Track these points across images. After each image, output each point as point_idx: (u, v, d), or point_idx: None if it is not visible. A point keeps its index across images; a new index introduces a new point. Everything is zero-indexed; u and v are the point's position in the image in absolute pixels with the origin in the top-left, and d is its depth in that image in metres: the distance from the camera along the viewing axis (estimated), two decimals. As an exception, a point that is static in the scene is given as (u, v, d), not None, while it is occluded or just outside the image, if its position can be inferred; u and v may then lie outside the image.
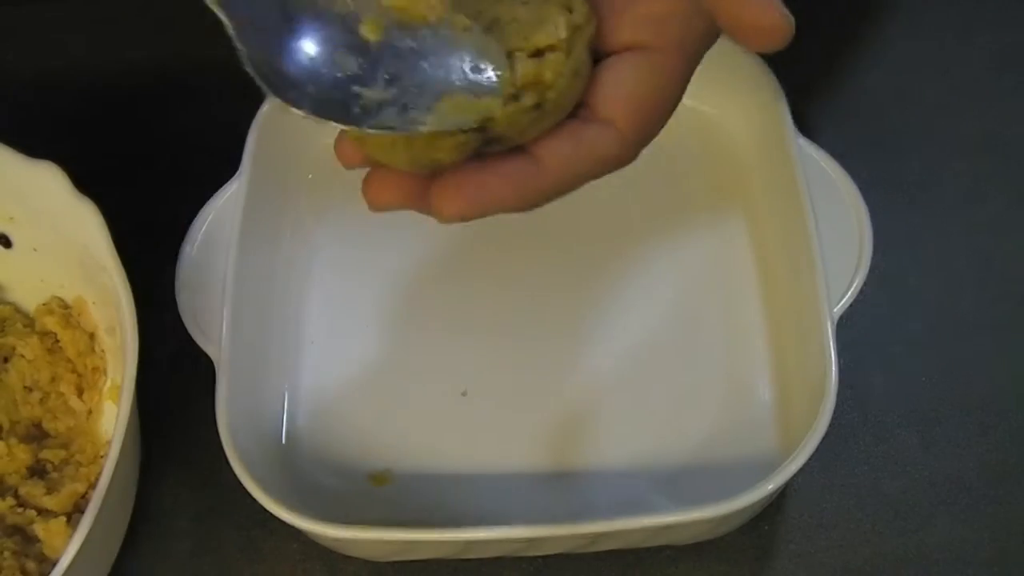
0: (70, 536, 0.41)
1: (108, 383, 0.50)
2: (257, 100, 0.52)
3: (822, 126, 0.57)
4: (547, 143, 0.32)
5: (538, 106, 0.32)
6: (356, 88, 0.32)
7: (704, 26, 0.34)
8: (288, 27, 0.33)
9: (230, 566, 0.48)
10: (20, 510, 0.46)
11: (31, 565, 0.45)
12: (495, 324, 0.52)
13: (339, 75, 0.32)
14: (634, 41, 0.34)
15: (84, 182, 0.46)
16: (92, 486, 0.47)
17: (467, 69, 0.33)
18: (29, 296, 0.52)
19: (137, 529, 0.49)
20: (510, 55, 0.33)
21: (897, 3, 0.62)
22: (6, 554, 0.45)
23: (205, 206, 0.50)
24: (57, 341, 0.51)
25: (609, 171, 0.33)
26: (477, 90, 0.32)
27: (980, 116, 0.58)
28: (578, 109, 0.33)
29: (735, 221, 0.53)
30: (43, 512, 0.46)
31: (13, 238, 0.51)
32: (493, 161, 0.32)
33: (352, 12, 0.33)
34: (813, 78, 0.58)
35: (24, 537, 0.46)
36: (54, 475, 0.48)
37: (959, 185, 0.56)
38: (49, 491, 0.46)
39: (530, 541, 0.44)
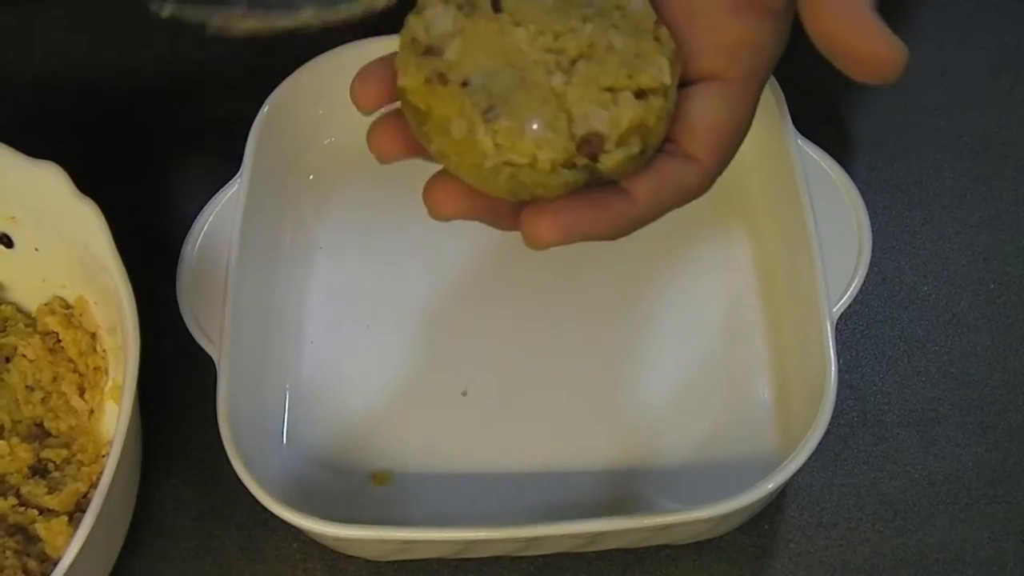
0: (72, 535, 0.41)
1: (109, 383, 0.51)
2: (257, 100, 0.52)
3: (822, 126, 0.57)
4: (638, 179, 0.33)
5: (642, 152, 0.33)
6: None
7: (774, 52, 0.35)
8: None
9: (231, 565, 0.48)
10: (22, 509, 0.46)
11: (33, 564, 0.45)
12: (495, 324, 0.52)
13: None
14: (711, 71, 0.34)
15: (85, 182, 0.46)
16: (94, 485, 0.47)
17: None
18: (31, 296, 0.52)
19: (138, 528, 0.49)
20: (611, 91, 0.32)
21: (897, 3, 0.62)
22: (8, 553, 0.45)
23: (205, 206, 0.50)
24: (59, 341, 0.51)
25: (690, 200, 0.34)
26: None
27: (979, 116, 0.58)
28: (663, 143, 0.34)
29: (735, 221, 0.53)
30: (45, 511, 0.46)
31: (15, 238, 0.51)
32: (588, 193, 0.33)
33: None
34: (813, 78, 0.58)
35: (26, 536, 0.46)
36: (56, 474, 0.48)
37: (958, 185, 0.56)
38: (51, 490, 0.47)
39: (530, 541, 0.44)
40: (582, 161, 0.32)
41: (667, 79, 0.33)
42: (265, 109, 0.52)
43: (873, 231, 0.48)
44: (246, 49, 0.62)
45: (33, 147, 0.47)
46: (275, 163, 0.53)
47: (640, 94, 0.33)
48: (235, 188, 0.50)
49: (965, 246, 0.54)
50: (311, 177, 0.56)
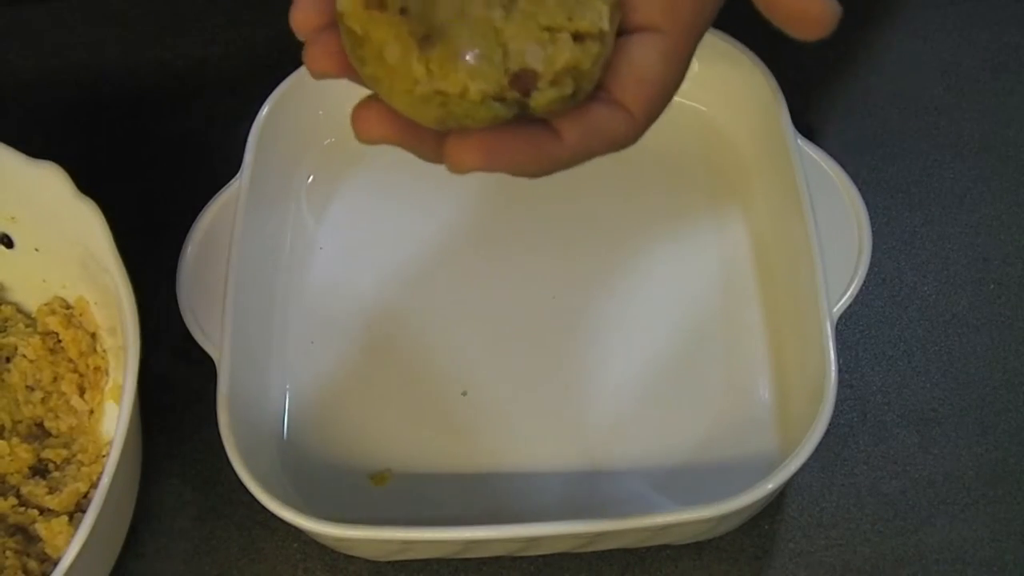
0: (72, 535, 0.41)
1: (110, 383, 0.51)
2: (257, 100, 0.52)
3: (822, 126, 0.57)
4: (567, 119, 0.33)
5: (574, 94, 0.33)
6: None
7: (713, 7, 0.35)
8: None
9: (231, 565, 0.48)
10: (22, 509, 0.46)
11: (33, 564, 0.45)
12: (495, 324, 0.52)
13: None
14: (649, 23, 0.34)
15: (85, 182, 0.46)
16: (94, 485, 0.47)
17: None
18: (31, 296, 0.52)
19: (138, 528, 0.49)
20: (549, 30, 0.32)
21: (897, 3, 0.62)
22: (8, 553, 0.45)
23: (205, 206, 0.50)
24: (59, 341, 0.51)
25: (616, 150, 0.35)
26: None
27: (979, 116, 0.58)
28: (596, 89, 0.34)
29: (735, 221, 0.53)
30: (45, 511, 0.46)
31: (15, 238, 0.51)
32: (515, 126, 0.33)
33: None
34: (813, 78, 0.58)
35: (26, 536, 0.46)
36: (56, 474, 0.48)
37: (958, 185, 0.56)
38: (51, 490, 0.47)
39: (530, 541, 0.44)
40: (512, 96, 0.32)
41: (605, 25, 0.33)
42: (265, 109, 0.52)
43: (873, 231, 0.48)
44: (246, 49, 0.62)
45: (33, 147, 0.47)
46: (275, 163, 0.53)
47: (577, 37, 0.33)
48: (234, 188, 0.50)
49: (965, 246, 0.54)
50: (311, 177, 0.56)
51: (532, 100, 0.32)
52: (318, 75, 0.34)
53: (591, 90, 0.34)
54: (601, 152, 0.34)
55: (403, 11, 0.32)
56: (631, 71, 0.34)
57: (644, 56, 0.34)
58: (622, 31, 0.35)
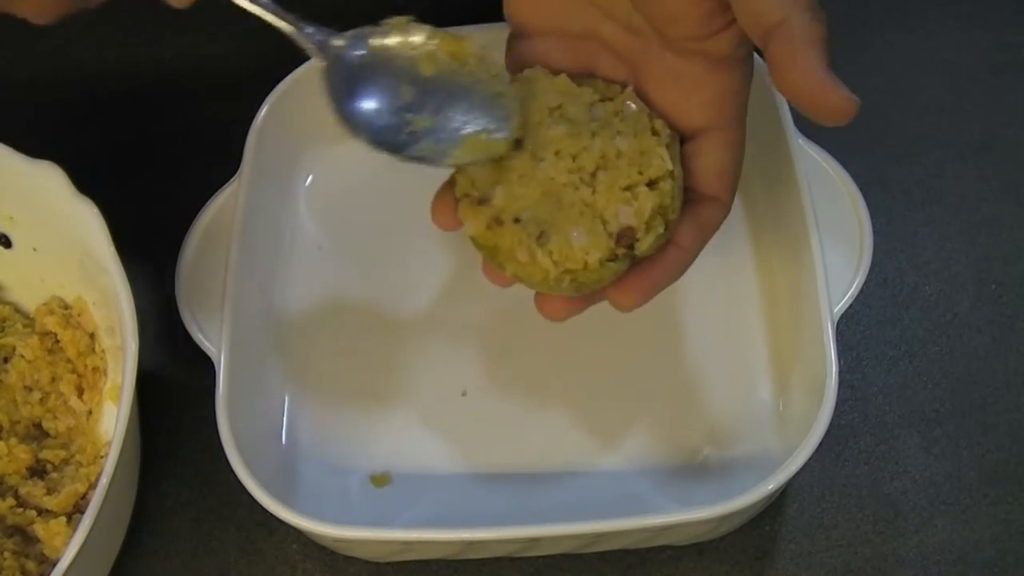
0: (70, 536, 0.41)
1: (108, 383, 0.50)
2: (257, 100, 0.52)
3: (821, 126, 0.57)
4: (681, 230, 0.41)
5: (666, 228, 0.40)
6: (408, 116, 0.40)
7: (748, 88, 0.41)
8: (364, 64, 0.41)
9: (230, 566, 0.48)
10: (20, 510, 0.46)
11: (31, 565, 0.45)
12: (495, 324, 0.52)
13: (399, 102, 0.40)
14: (705, 124, 0.41)
15: (84, 182, 0.46)
16: (92, 486, 0.47)
17: (489, 114, 0.40)
18: (29, 296, 0.52)
19: (137, 529, 0.49)
20: (629, 188, 0.39)
21: (897, 3, 0.62)
22: (6, 554, 0.45)
23: (205, 206, 0.50)
24: (57, 341, 0.51)
25: (718, 229, 0.42)
26: (494, 131, 0.40)
27: (980, 116, 0.58)
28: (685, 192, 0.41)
29: (735, 221, 0.53)
30: (43, 512, 0.46)
31: (13, 238, 0.51)
32: (650, 258, 0.40)
33: (412, 53, 0.41)
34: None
35: (24, 537, 0.46)
36: (54, 475, 0.48)
37: (959, 185, 0.56)
38: (49, 491, 0.46)
39: (530, 541, 0.44)
40: (622, 251, 0.39)
41: (670, 165, 0.40)
42: (264, 109, 0.52)
43: (874, 231, 0.48)
44: (246, 49, 0.62)
45: (33, 147, 0.47)
46: (274, 163, 0.53)
47: (652, 183, 0.40)
48: (234, 188, 0.50)
49: (966, 246, 0.54)
50: (310, 177, 0.56)
51: (637, 249, 0.39)
52: (443, 229, 0.43)
53: (677, 217, 0.40)
54: (710, 238, 0.42)
55: (516, 220, 0.39)
56: (709, 169, 0.41)
57: (714, 154, 0.41)
58: (686, 138, 0.41)
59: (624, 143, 0.40)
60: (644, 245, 0.39)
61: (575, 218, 0.39)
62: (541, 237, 0.39)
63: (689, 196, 0.41)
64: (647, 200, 0.39)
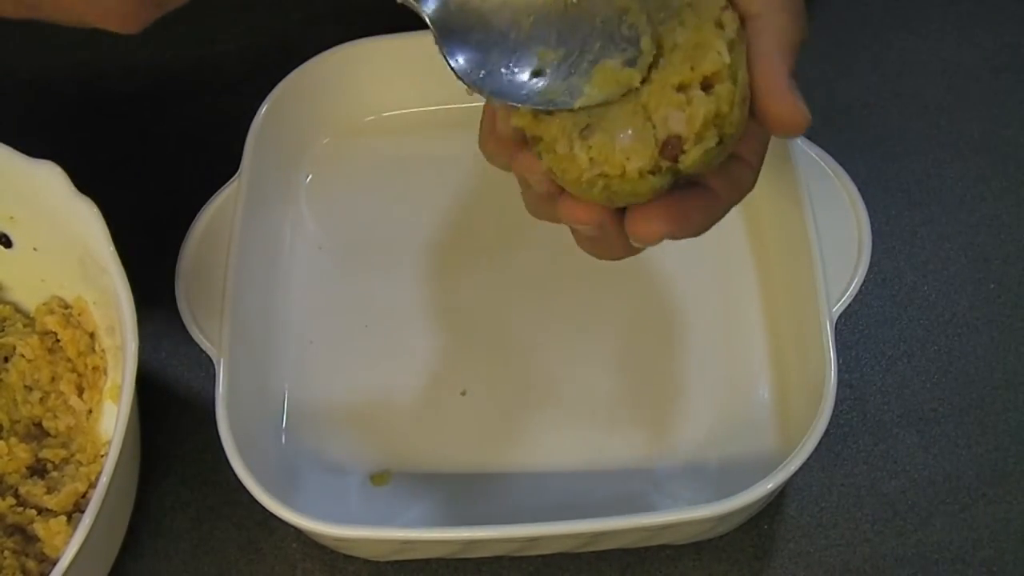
0: (70, 535, 0.41)
1: (108, 382, 0.50)
2: (257, 100, 0.52)
3: (822, 126, 0.57)
4: (717, 179, 0.37)
5: (720, 142, 0.35)
6: (535, 47, 0.36)
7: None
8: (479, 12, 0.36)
9: (230, 565, 0.48)
10: (20, 509, 0.46)
11: (31, 564, 0.45)
12: (495, 324, 0.52)
13: (519, 37, 0.36)
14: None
15: (84, 182, 0.46)
16: (92, 485, 0.47)
17: (617, 36, 0.35)
18: (29, 296, 0.52)
19: (137, 528, 0.49)
20: (683, 88, 0.35)
21: (897, 3, 0.62)
22: (6, 553, 0.45)
23: (205, 206, 0.50)
24: (57, 341, 0.51)
25: (745, 196, 0.38)
26: (624, 57, 0.35)
27: (979, 116, 0.58)
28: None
29: (735, 221, 0.53)
30: (43, 511, 0.46)
31: (13, 238, 0.51)
32: (684, 193, 0.36)
33: None
34: (813, 79, 0.58)
35: (24, 536, 0.46)
36: (54, 474, 0.48)
37: (958, 185, 0.56)
38: (49, 490, 0.47)
39: (530, 541, 0.44)
40: (665, 164, 0.35)
41: (727, 59, 0.34)
42: (264, 109, 0.52)
43: (873, 231, 0.48)
44: (245, 49, 0.62)
45: (33, 147, 0.47)
46: (274, 163, 0.53)
47: (707, 85, 0.35)
48: (234, 188, 0.50)
49: (965, 246, 0.54)
50: (310, 177, 0.56)
51: (681, 164, 0.35)
52: (580, 224, 0.37)
53: (739, 134, 0.35)
54: (738, 201, 0.38)
55: (569, 110, 0.35)
56: (750, 132, 0.37)
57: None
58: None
59: (682, 34, 0.35)
60: (690, 159, 0.34)
61: (626, 118, 0.35)
62: (586, 130, 0.35)
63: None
64: (699, 105, 0.34)
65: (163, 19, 0.63)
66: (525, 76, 0.36)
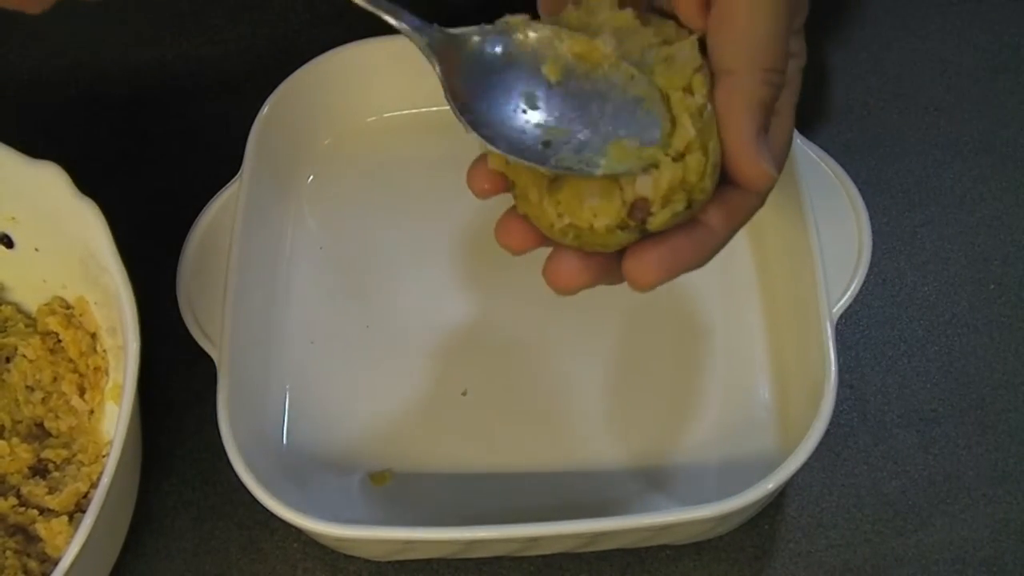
0: (72, 535, 0.42)
1: (110, 383, 0.51)
2: (257, 100, 0.52)
3: (822, 126, 0.57)
4: (710, 212, 0.37)
5: (689, 206, 0.36)
6: (539, 123, 0.36)
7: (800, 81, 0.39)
8: (486, 70, 0.37)
9: (231, 565, 0.48)
10: (22, 509, 0.46)
11: (33, 564, 0.45)
12: (495, 324, 0.52)
13: (524, 110, 0.36)
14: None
15: (85, 182, 0.46)
16: (94, 485, 0.47)
17: (635, 117, 0.36)
18: (31, 296, 0.52)
19: (138, 528, 0.49)
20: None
21: (897, 3, 0.62)
22: (8, 553, 0.45)
23: (206, 206, 0.50)
24: (59, 341, 0.51)
25: (753, 215, 0.39)
26: (643, 139, 0.35)
27: (979, 116, 0.58)
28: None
29: (735, 221, 0.53)
30: (45, 511, 0.46)
31: (15, 238, 0.51)
32: (675, 232, 0.36)
33: (535, 53, 0.37)
34: (813, 79, 0.58)
35: (26, 536, 0.46)
36: (56, 474, 0.48)
37: (958, 185, 0.56)
38: (51, 490, 0.47)
39: (530, 541, 0.44)
40: (633, 223, 0.36)
41: (692, 133, 0.35)
42: (265, 109, 0.52)
43: (873, 231, 0.48)
44: (246, 49, 0.62)
45: (33, 147, 0.47)
46: (275, 163, 0.53)
47: (678, 156, 0.35)
48: (234, 188, 0.50)
49: (965, 246, 0.54)
50: (311, 177, 0.56)
51: (649, 224, 0.36)
52: (510, 250, 0.39)
53: (708, 196, 0.36)
54: (744, 224, 0.38)
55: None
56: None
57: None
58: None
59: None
60: (657, 221, 0.35)
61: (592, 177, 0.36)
62: (554, 183, 0.36)
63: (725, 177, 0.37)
64: (667, 171, 0.35)
65: (164, 19, 0.63)
66: (537, 145, 0.36)
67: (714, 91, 0.36)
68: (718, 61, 0.36)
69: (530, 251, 0.39)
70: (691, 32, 0.37)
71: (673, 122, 0.36)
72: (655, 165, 0.35)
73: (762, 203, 0.39)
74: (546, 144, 0.36)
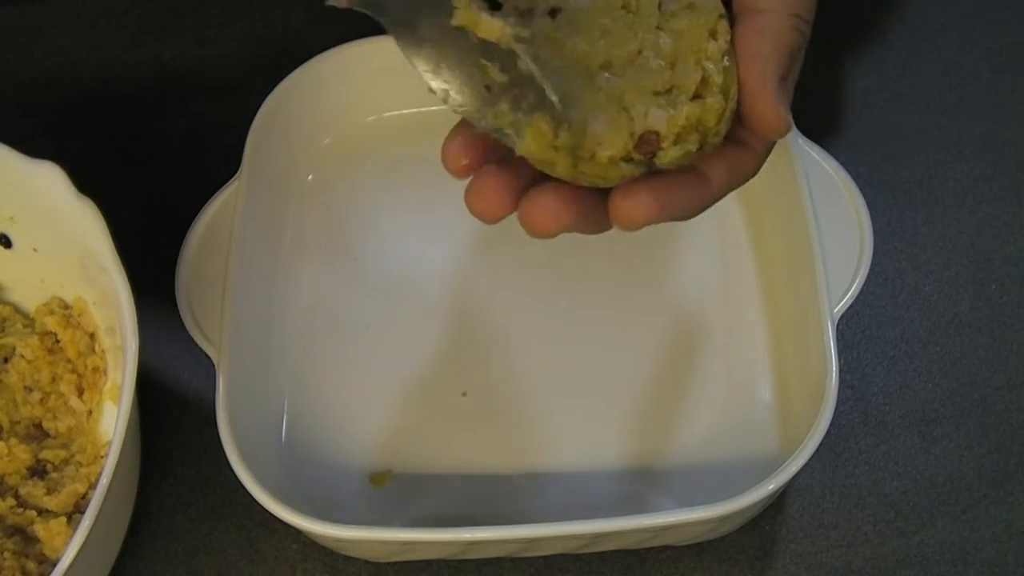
0: (70, 536, 0.41)
1: (108, 383, 0.50)
2: (257, 100, 0.52)
3: (823, 126, 0.57)
4: (712, 164, 0.35)
5: (700, 148, 0.34)
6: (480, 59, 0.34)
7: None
8: None
9: (230, 566, 0.48)
10: (20, 510, 0.46)
11: (31, 565, 0.45)
12: (495, 324, 0.52)
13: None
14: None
15: (84, 182, 0.46)
16: (92, 486, 0.47)
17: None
18: (29, 296, 0.52)
19: (137, 529, 0.49)
20: (670, 91, 0.34)
21: (897, 3, 0.62)
22: (6, 554, 0.45)
23: (206, 206, 0.50)
24: (57, 341, 0.50)
25: (745, 183, 0.37)
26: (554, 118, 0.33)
27: (980, 116, 0.58)
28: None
29: (735, 221, 0.53)
30: (43, 512, 0.46)
31: (13, 238, 0.51)
32: (672, 175, 0.34)
33: None
34: (813, 78, 0.58)
35: (24, 537, 0.46)
36: (54, 475, 0.48)
37: (960, 185, 0.56)
38: (49, 491, 0.46)
39: (530, 542, 0.44)
40: (639, 156, 0.33)
41: (718, 78, 0.34)
42: (265, 109, 0.52)
43: (874, 231, 0.48)
44: (245, 49, 0.62)
45: (33, 147, 0.47)
46: (274, 163, 0.53)
47: (697, 95, 0.34)
48: (234, 188, 0.50)
49: (966, 246, 0.54)
50: (310, 177, 0.56)
51: (658, 159, 0.34)
52: (484, 218, 0.36)
53: (720, 141, 0.35)
54: (735, 188, 0.37)
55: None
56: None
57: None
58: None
59: (668, 43, 0.34)
60: (667, 157, 0.33)
61: (601, 101, 0.33)
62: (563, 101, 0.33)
63: (729, 135, 0.36)
64: (685, 108, 0.33)
65: (163, 19, 0.63)
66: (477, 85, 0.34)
67: (738, 30, 0.34)
68: (748, 0, 0.34)
69: (504, 216, 0.35)
70: None
71: (696, 63, 0.34)
72: (603, 75, 0.33)
73: (758, 169, 0.37)
74: (487, 87, 0.34)
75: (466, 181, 0.36)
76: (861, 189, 0.49)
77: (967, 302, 0.53)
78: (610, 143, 0.33)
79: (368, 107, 0.57)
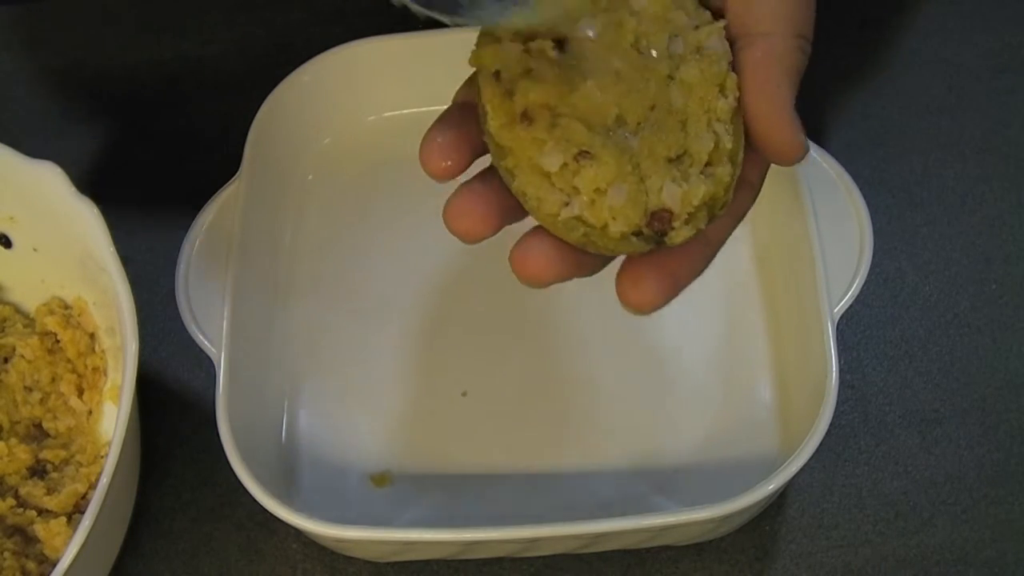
0: (70, 536, 0.41)
1: (108, 383, 0.50)
2: (257, 100, 0.52)
3: (823, 126, 0.57)
4: (715, 222, 0.34)
5: (711, 218, 0.33)
6: None
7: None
8: None
9: (230, 566, 0.48)
10: (20, 510, 0.46)
11: (31, 565, 0.45)
12: (495, 324, 0.52)
13: None
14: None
15: (84, 182, 0.46)
16: (92, 486, 0.47)
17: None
18: (29, 296, 0.52)
19: (137, 529, 0.49)
20: (681, 157, 0.33)
21: (897, 3, 0.62)
22: (6, 554, 0.45)
23: (206, 206, 0.50)
24: (57, 341, 0.50)
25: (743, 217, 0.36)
26: None
27: (980, 116, 0.58)
28: None
29: (735, 221, 0.53)
30: (43, 512, 0.46)
31: (13, 238, 0.51)
32: (672, 255, 0.33)
33: None
34: (813, 78, 0.58)
35: (24, 537, 0.46)
36: (54, 475, 0.48)
37: (960, 185, 0.56)
38: (49, 491, 0.46)
39: (530, 542, 0.44)
40: (649, 233, 0.32)
41: (728, 144, 0.33)
42: (265, 109, 0.52)
43: (874, 231, 0.48)
44: (245, 49, 0.62)
45: (33, 147, 0.47)
46: (274, 163, 0.53)
47: (707, 165, 0.33)
48: (234, 188, 0.50)
49: (966, 246, 0.54)
50: (310, 177, 0.56)
51: (668, 240, 0.32)
52: (466, 238, 0.33)
53: (723, 213, 0.33)
54: (735, 228, 0.36)
55: (554, 126, 0.32)
56: (751, 153, 0.34)
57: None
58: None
59: (679, 99, 0.33)
60: (678, 238, 0.32)
61: (622, 166, 0.32)
62: (581, 156, 0.31)
63: None
64: (698, 186, 0.32)
65: (163, 19, 0.63)
66: None
67: (744, 55, 0.33)
68: (749, 24, 0.33)
69: (488, 237, 0.33)
70: (715, 15, 0.34)
71: (708, 129, 0.33)
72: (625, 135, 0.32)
73: (752, 205, 0.36)
74: None
75: (466, 177, 0.35)
76: (861, 189, 0.49)
77: (967, 302, 0.53)
78: (625, 220, 0.32)
79: (368, 107, 0.57)
